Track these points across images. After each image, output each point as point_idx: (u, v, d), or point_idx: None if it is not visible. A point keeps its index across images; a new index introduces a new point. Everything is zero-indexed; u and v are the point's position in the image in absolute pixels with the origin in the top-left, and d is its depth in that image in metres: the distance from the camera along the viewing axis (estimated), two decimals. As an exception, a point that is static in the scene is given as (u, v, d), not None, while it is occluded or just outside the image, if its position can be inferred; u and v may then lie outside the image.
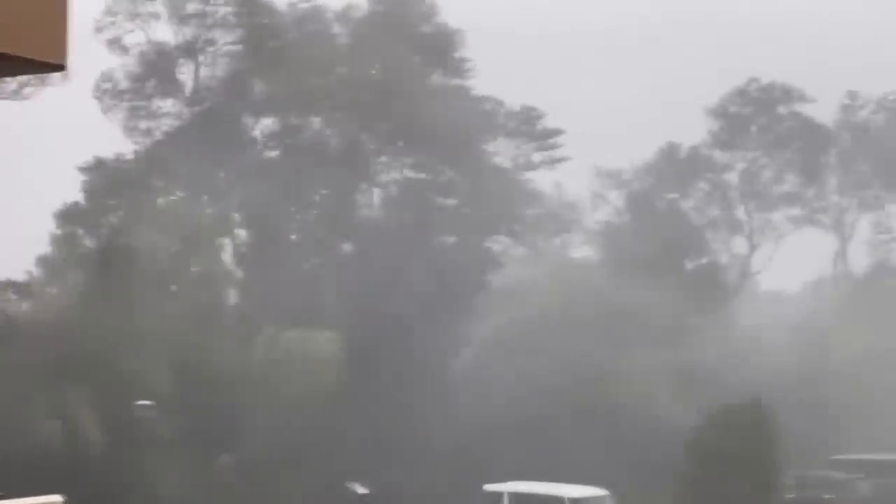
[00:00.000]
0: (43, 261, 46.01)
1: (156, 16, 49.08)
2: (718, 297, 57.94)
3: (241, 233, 50.53)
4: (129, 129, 49.63)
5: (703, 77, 66.88)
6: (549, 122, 58.38)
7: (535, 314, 49.20)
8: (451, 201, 51.73)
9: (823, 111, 64.92)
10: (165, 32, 49.61)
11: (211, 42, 49.75)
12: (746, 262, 65.09)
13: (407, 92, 49.10)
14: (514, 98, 57.62)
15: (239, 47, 49.99)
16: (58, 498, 25.96)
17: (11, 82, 39.10)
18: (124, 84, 49.70)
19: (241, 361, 42.92)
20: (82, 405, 38.64)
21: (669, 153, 64.47)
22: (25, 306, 43.52)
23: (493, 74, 53.69)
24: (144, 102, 49.82)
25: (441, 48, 51.51)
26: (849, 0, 68.38)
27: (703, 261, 61.06)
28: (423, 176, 51.83)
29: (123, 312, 40.92)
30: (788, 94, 63.87)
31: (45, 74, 32.09)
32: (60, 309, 41.53)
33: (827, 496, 46.83)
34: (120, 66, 49.65)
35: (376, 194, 52.95)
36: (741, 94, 64.21)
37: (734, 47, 68.96)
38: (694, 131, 63.89)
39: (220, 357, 42.22)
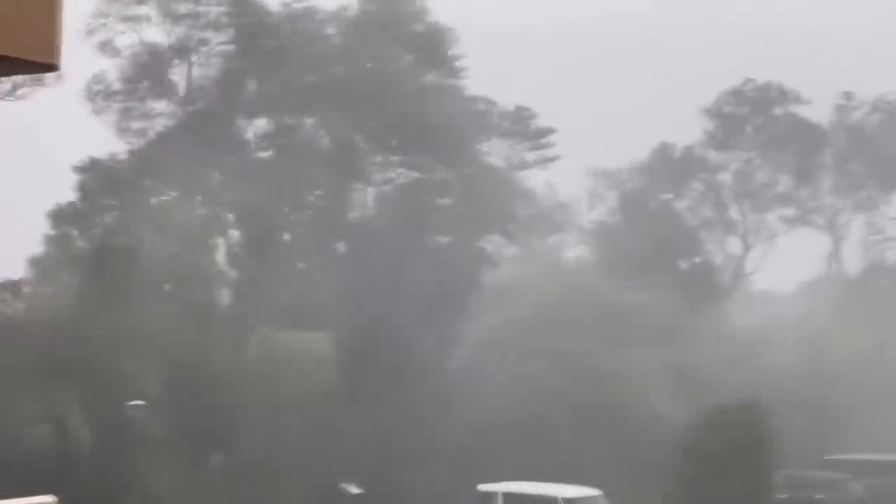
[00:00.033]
0: (36, 261, 45.96)
1: (147, 17, 49.02)
2: (712, 297, 58.00)
3: (235, 233, 50.52)
4: (122, 131, 49.57)
5: (698, 77, 66.92)
6: (543, 122, 58.50)
7: (530, 314, 49.23)
8: (446, 201, 51.74)
9: (819, 111, 65.09)
10: (157, 33, 49.56)
11: (204, 42, 49.70)
12: (740, 262, 65.16)
13: (400, 91, 49.11)
14: (507, 98, 57.74)
15: (231, 47, 49.94)
16: (50, 498, 25.90)
17: (6, 82, 39.07)
18: (116, 85, 49.61)
19: (235, 362, 42.90)
20: (75, 405, 38.60)
21: (664, 153, 64.53)
22: (18, 306, 43.48)
23: (486, 74, 53.74)
24: (137, 103, 49.73)
25: (434, 47, 51.52)
26: (846, 0, 68.50)
27: (697, 260, 61.13)
28: (417, 175, 51.83)
29: (117, 312, 40.89)
30: (784, 95, 63.95)
31: (39, 75, 32.07)
32: (54, 309, 41.47)
33: (819, 496, 46.87)
34: (111, 67, 49.59)
35: (370, 194, 52.96)
36: (736, 94, 64.28)
37: (730, 47, 69.09)
38: (688, 131, 64.01)
39: (214, 357, 42.20)
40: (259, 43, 49.11)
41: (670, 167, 64.15)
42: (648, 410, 45.92)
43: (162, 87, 49.85)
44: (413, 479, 43.07)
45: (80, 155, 46.80)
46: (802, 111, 64.21)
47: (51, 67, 5.47)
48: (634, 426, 45.56)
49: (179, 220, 46.05)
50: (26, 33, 5.31)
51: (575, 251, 64.44)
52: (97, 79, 49.12)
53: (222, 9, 49.55)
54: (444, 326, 48.72)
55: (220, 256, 49.22)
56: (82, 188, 46.46)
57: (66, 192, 46.22)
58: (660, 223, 59.56)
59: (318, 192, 51.00)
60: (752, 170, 64.92)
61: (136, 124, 49.96)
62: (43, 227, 45.62)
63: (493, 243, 54.12)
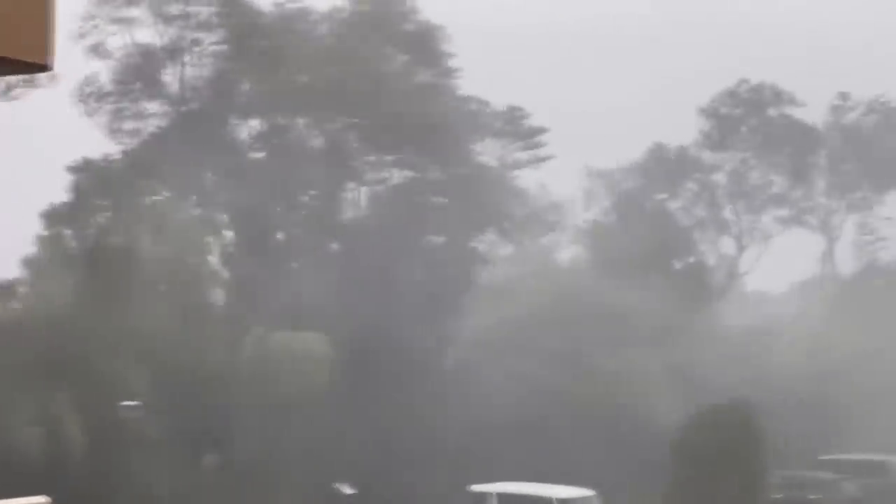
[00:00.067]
0: (30, 261, 45.92)
1: (138, 19, 48.94)
2: (706, 297, 58.05)
3: (229, 233, 50.48)
4: (114, 132, 49.48)
5: (693, 77, 66.98)
6: (537, 122, 58.52)
7: (524, 314, 49.24)
8: (440, 200, 51.73)
9: (813, 112, 65.17)
10: (148, 35, 49.46)
11: (196, 43, 49.64)
12: (734, 262, 65.22)
13: (393, 91, 49.11)
14: (501, 97, 57.76)
15: (224, 48, 49.89)
16: (44, 499, 25.87)
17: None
18: (108, 87, 49.51)
19: (230, 362, 42.87)
20: (69, 406, 38.55)
21: (658, 153, 64.58)
22: (13, 307, 43.43)
23: (479, 73, 53.78)
24: (129, 104, 49.66)
25: (426, 46, 51.50)
26: (843, 1, 68.58)
27: (692, 260, 61.17)
28: (410, 175, 51.84)
29: (111, 313, 40.85)
30: (778, 96, 64.02)
31: (32, 76, 32.04)
32: (48, 309, 41.42)
33: (813, 496, 46.93)
34: (103, 69, 49.47)
35: (364, 194, 52.97)
36: (731, 95, 64.34)
37: (724, 47, 69.13)
38: (683, 131, 64.06)
39: (209, 357, 42.16)
40: (251, 43, 49.08)
41: (664, 167, 64.21)
42: (644, 410, 45.95)
43: (154, 88, 49.79)
44: (409, 479, 43.07)
45: (74, 155, 46.82)
46: (797, 112, 64.31)
47: (44, 68, 5.47)
48: (630, 426, 45.59)
49: (174, 220, 46.02)
50: (20, 34, 5.30)
51: (569, 251, 64.53)
52: (89, 81, 49.05)
53: (214, 9, 49.50)
54: (439, 326, 48.72)
55: (215, 256, 49.20)
56: (76, 188, 46.43)
57: (59, 192, 46.24)
58: (654, 223, 59.60)
59: (311, 192, 51.00)
60: (746, 170, 64.99)
61: (129, 125, 49.92)
62: (37, 228, 45.65)
63: (487, 243, 54.15)
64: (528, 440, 44.83)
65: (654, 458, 42.41)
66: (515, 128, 58.81)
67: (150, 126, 49.89)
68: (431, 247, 50.97)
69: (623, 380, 46.96)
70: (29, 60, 5.39)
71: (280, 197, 49.62)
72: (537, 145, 58.98)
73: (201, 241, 48.03)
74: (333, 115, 50.58)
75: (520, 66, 65.85)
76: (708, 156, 65.09)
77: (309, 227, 50.43)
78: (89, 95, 49.14)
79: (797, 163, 64.74)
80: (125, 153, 48.90)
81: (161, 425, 40.35)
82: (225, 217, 50.51)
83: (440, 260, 49.54)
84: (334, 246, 51.35)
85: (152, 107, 49.93)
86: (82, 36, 48.13)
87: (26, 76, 31.15)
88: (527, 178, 59.17)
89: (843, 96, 67.51)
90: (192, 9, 49.22)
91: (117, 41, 49.10)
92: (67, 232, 46.34)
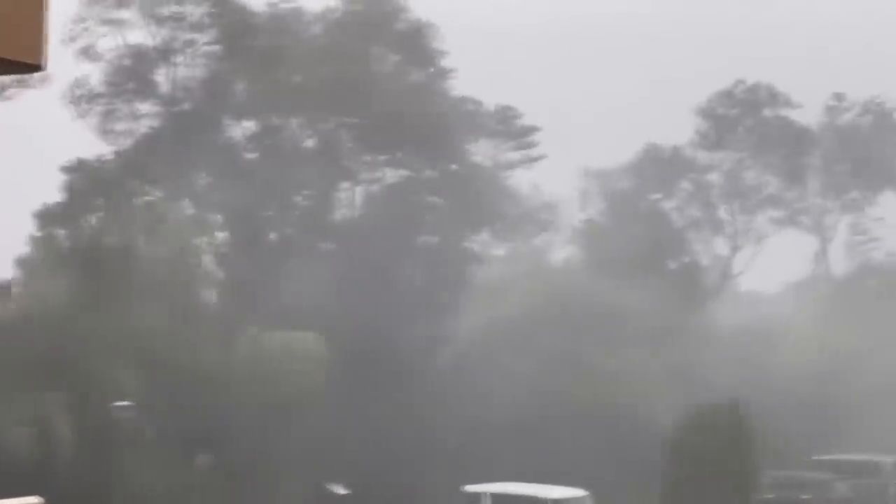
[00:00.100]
0: (23, 262, 45.88)
1: (128, 20, 48.82)
2: (700, 297, 58.09)
3: (223, 233, 50.45)
4: (106, 133, 49.36)
5: (689, 78, 67.02)
6: (530, 122, 58.49)
7: (518, 314, 49.25)
8: (434, 200, 51.73)
9: (808, 113, 65.24)
10: (139, 36, 49.35)
11: (188, 44, 49.55)
12: (728, 262, 65.25)
13: (386, 91, 49.10)
14: (495, 97, 57.74)
15: (216, 48, 49.82)
16: (36, 499, 25.83)
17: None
18: (100, 88, 49.39)
19: (224, 362, 42.84)
20: (61, 406, 38.51)
21: (653, 154, 64.60)
22: (7, 307, 43.37)
23: (473, 73, 53.75)
24: (122, 105, 49.55)
25: (419, 46, 51.49)
26: (840, 2, 68.64)
27: (686, 260, 61.20)
28: (404, 174, 51.83)
29: (104, 313, 40.82)
30: (774, 97, 64.05)
31: (24, 77, 32.02)
32: (41, 309, 41.38)
33: (805, 497, 46.97)
34: (95, 71, 49.34)
35: (357, 193, 52.96)
36: (727, 95, 64.36)
37: (721, 48, 69.13)
38: (678, 132, 64.08)
39: (202, 357, 42.14)
40: (244, 43, 49.03)
41: (659, 167, 64.23)
42: (639, 410, 45.97)
43: (147, 89, 49.70)
44: (404, 479, 43.07)
45: (68, 155, 46.79)
46: (792, 113, 64.36)
47: (36, 68, 5.47)
48: (625, 426, 45.60)
49: (167, 220, 45.99)
50: (12, 34, 5.30)
51: (564, 251, 64.53)
52: (79, 83, 48.87)
53: (205, 10, 49.41)
54: (433, 326, 48.71)
55: (209, 257, 49.17)
56: (69, 188, 46.39)
57: (53, 192, 46.22)
58: (649, 223, 59.62)
59: (305, 192, 50.98)
60: (741, 171, 65.02)
61: (121, 126, 49.81)
62: (30, 228, 45.62)
63: (481, 243, 54.16)
64: (524, 440, 44.83)
65: (650, 458, 42.44)
66: (509, 127, 58.81)
67: (143, 127, 49.83)
68: (426, 247, 50.96)
69: (618, 380, 46.98)
70: (22, 60, 5.39)
71: (274, 197, 49.60)
72: (531, 145, 58.99)
73: (195, 242, 48.01)
74: (327, 115, 50.56)
75: (514, 65, 65.86)
76: (703, 156, 65.13)
77: (303, 227, 50.42)
78: (80, 98, 49.01)
79: (792, 164, 64.79)
80: (118, 153, 48.84)
81: (154, 425, 40.33)
82: (219, 217, 50.49)
83: (434, 260, 49.54)
84: (328, 246, 51.33)
85: (145, 107, 49.88)
86: (73, 39, 48.02)
87: (19, 76, 31.13)
88: (521, 178, 59.24)
89: (839, 97, 67.60)
90: (183, 9, 49.13)
91: (108, 43, 49.05)
92: (61, 232, 46.29)
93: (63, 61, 43.64)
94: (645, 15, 72.65)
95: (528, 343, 47.53)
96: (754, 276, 65.50)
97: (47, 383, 38.22)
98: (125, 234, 44.75)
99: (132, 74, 49.26)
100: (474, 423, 44.99)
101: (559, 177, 64.22)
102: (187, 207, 50.01)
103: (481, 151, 57.10)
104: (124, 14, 48.66)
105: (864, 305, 57.63)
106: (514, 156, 59.10)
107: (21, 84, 40.62)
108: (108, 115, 49.38)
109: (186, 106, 49.57)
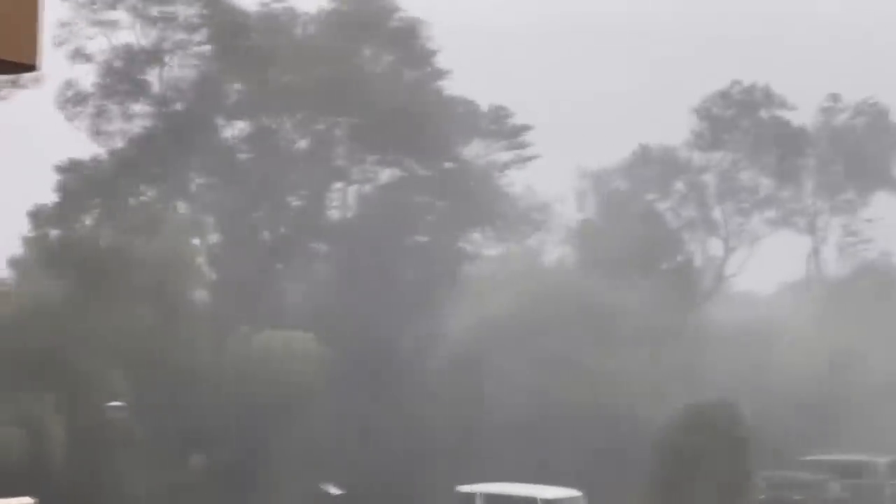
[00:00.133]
0: (15, 261, 45.80)
1: (119, 21, 48.69)
2: (694, 297, 58.13)
3: (215, 234, 50.40)
4: (98, 134, 49.21)
5: (685, 78, 67.15)
6: (525, 121, 58.44)
7: (512, 314, 49.25)
8: (427, 199, 51.70)
9: (803, 114, 65.31)
10: (130, 37, 49.19)
11: (180, 45, 49.42)
12: (722, 263, 65.28)
13: (380, 90, 49.06)
14: (488, 97, 57.73)
15: (208, 48, 49.72)
16: (28, 500, 25.72)
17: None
18: (90, 90, 49.23)
19: (216, 362, 42.80)
20: (53, 406, 38.44)
21: (647, 154, 64.64)
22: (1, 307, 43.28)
23: (467, 72, 53.80)
24: (114, 106, 49.39)
25: (412, 45, 51.44)
26: (838, 3, 68.74)
27: (680, 260, 61.21)
28: (398, 174, 51.81)
29: (97, 313, 40.76)
30: (770, 98, 64.08)
31: (17, 77, 31.95)
32: (33, 309, 41.29)
33: (798, 497, 47.01)
34: (86, 73, 49.15)
35: (351, 193, 52.93)
36: (723, 96, 64.37)
37: (718, 49, 69.26)
38: (673, 132, 64.14)
39: (195, 358, 42.09)
40: (236, 44, 48.94)
41: (654, 168, 64.26)
42: (633, 410, 45.98)
43: (139, 90, 49.58)
44: (397, 478, 43.04)
45: (61, 155, 46.72)
46: (787, 114, 64.41)
47: (30, 68, 5.44)
48: (619, 426, 45.61)
49: (160, 220, 45.93)
50: (6, 34, 5.27)
51: (558, 251, 64.55)
52: (69, 85, 48.69)
53: (197, 10, 49.29)
54: (426, 326, 48.71)
55: (202, 257, 49.12)
56: (63, 188, 46.31)
57: (46, 192, 46.14)
58: (643, 223, 59.63)
59: (298, 192, 50.94)
60: (736, 171, 65.05)
61: (114, 127, 49.66)
62: (23, 228, 45.54)
63: (474, 243, 54.14)
64: (519, 440, 44.83)
65: (644, 458, 42.45)
66: (502, 127, 58.76)
67: (136, 128, 49.70)
68: (419, 246, 50.94)
69: (612, 380, 46.98)
70: (15, 60, 5.36)
71: (267, 197, 49.55)
72: (525, 144, 58.94)
73: (188, 242, 47.93)
74: (319, 116, 50.50)
75: (509, 64, 65.92)
76: (697, 156, 65.16)
77: (296, 228, 50.37)
78: (69, 100, 48.83)
79: (787, 164, 64.83)
80: (112, 154, 48.74)
81: (148, 426, 40.26)
82: (211, 218, 50.44)
83: (428, 259, 49.51)
84: (322, 246, 51.31)
85: (137, 108, 49.74)
86: (63, 42, 47.83)
87: (12, 76, 31.06)
88: (515, 178, 59.21)
89: (834, 97, 67.68)
90: (175, 9, 49.01)
91: (99, 44, 48.89)
92: (54, 232, 46.22)
93: (54, 62, 43.57)
94: (640, 15, 72.78)
95: (523, 343, 47.52)
96: (749, 277, 65.59)
97: (40, 383, 38.14)
98: (118, 234, 44.67)
99: (124, 75, 49.12)
100: (469, 423, 44.98)
101: (554, 177, 64.29)
102: (181, 208, 49.92)
103: (475, 151, 57.07)
104: (115, 15, 48.57)
105: (859, 306, 57.70)
106: (508, 155, 59.06)
107: (14, 84, 40.54)
108: (100, 116, 49.25)
109: (179, 106, 49.47)
